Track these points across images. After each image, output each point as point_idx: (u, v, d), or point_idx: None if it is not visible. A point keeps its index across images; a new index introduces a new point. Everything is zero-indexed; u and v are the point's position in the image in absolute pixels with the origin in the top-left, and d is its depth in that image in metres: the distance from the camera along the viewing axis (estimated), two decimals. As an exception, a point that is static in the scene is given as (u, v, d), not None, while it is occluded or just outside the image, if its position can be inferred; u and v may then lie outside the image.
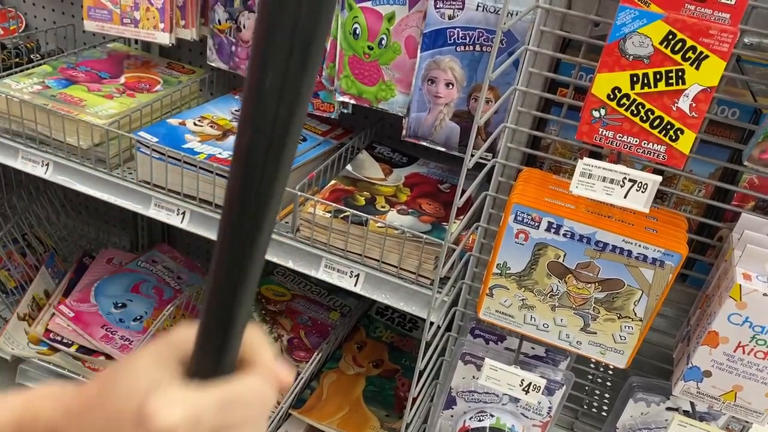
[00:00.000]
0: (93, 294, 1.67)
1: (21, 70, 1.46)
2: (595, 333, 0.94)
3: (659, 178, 0.80)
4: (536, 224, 0.89)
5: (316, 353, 1.52)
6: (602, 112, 0.81)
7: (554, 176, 0.97)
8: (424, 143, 1.24)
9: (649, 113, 0.79)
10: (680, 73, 0.77)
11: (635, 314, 0.91)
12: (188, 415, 0.37)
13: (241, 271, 0.37)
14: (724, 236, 0.96)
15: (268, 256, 1.21)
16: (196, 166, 1.21)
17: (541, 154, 0.99)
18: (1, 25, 1.73)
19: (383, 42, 1.20)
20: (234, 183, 0.35)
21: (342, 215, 1.14)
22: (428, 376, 1.19)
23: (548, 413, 1.09)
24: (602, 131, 0.82)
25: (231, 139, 1.33)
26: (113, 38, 1.71)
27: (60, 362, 1.57)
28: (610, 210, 0.89)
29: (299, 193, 1.16)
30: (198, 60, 1.72)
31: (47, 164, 1.32)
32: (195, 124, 1.36)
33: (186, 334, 0.41)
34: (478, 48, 1.14)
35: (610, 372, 1.26)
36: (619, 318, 0.92)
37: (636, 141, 0.81)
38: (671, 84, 0.77)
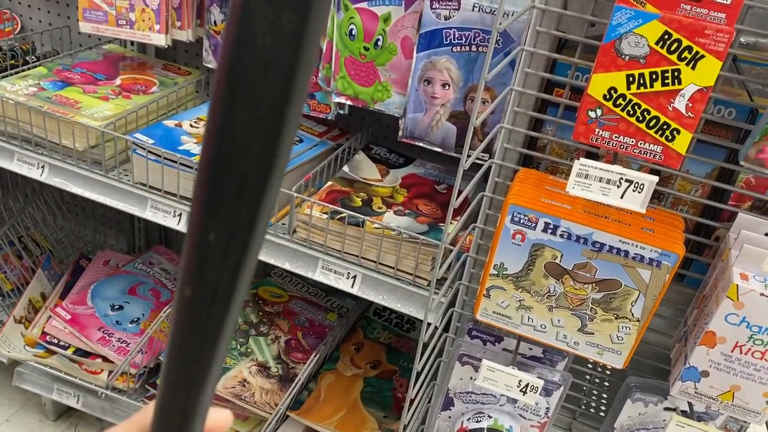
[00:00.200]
0: (90, 296, 1.67)
1: (16, 72, 1.46)
2: (593, 333, 0.94)
3: (656, 179, 0.80)
4: (533, 225, 0.89)
5: (313, 354, 1.52)
6: (598, 112, 0.81)
7: (551, 177, 0.97)
8: (421, 144, 1.24)
9: (646, 113, 0.79)
10: (676, 73, 0.77)
11: (632, 314, 0.90)
12: None
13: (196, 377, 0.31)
14: (721, 236, 0.96)
15: (265, 258, 1.21)
16: (192, 167, 1.20)
17: (538, 154, 0.99)
18: (-3, 27, 1.73)
19: (379, 43, 1.20)
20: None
21: (339, 216, 1.14)
22: (426, 377, 1.19)
23: (546, 414, 1.08)
24: (598, 131, 0.82)
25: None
26: (109, 40, 1.70)
27: (57, 365, 1.57)
28: (606, 210, 0.89)
29: (296, 195, 1.16)
30: (194, 61, 1.72)
31: (43, 166, 1.32)
32: (191, 126, 1.36)
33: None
34: (474, 48, 1.14)
35: (608, 372, 1.25)
36: (616, 318, 0.92)
37: (632, 141, 0.81)
38: (667, 84, 0.77)
